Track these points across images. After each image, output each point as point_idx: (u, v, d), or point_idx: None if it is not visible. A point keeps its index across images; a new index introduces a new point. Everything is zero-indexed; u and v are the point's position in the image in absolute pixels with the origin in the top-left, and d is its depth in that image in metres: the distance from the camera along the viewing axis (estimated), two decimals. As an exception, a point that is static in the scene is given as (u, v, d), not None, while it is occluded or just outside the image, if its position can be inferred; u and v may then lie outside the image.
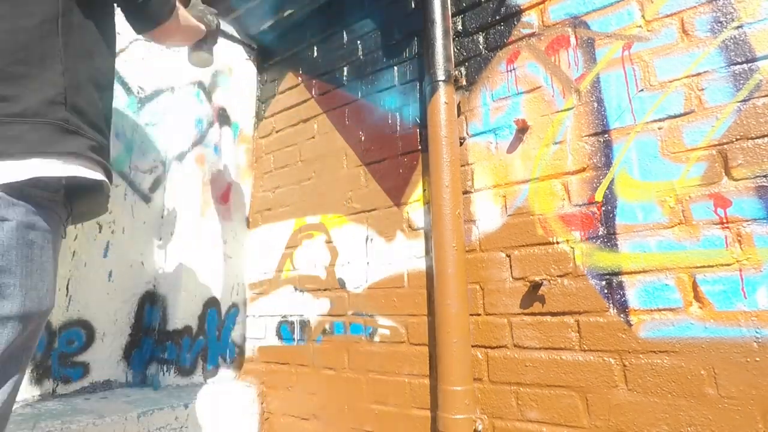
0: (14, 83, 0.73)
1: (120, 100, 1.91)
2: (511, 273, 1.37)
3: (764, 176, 1.04)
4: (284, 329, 1.92)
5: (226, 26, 2.23)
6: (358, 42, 1.95)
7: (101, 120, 0.88)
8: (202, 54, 1.47)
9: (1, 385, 0.71)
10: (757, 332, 1.01)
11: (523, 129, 1.41)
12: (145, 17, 1.03)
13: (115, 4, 0.99)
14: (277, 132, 2.21)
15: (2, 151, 0.70)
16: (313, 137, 2.02)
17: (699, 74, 1.16)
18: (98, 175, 0.83)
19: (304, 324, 1.86)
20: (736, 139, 1.09)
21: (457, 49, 1.63)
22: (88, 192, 0.85)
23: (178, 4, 1.11)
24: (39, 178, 0.73)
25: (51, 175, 0.74)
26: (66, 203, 0.84)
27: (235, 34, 2.26)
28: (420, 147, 1.65)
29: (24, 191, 0.72)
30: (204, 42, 1.44)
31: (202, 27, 1.36)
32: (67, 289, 1.67)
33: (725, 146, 1.10)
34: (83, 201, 0.89)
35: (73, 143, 0.77)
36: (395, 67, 1.79)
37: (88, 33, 0.87)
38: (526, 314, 1.32)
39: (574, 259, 1.27)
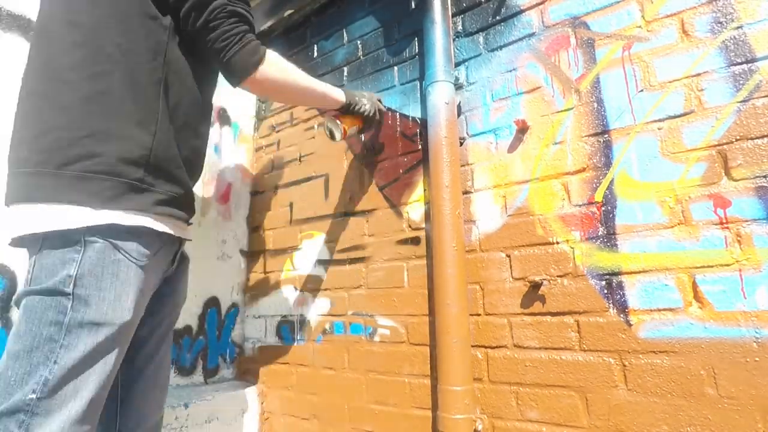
0: (107, 141, 0.85)
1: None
2: (511, 273, 1.37)
3: (764, 176, 1.05)
4: (284, 329, 1.92)
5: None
6: (359, 42, 1.95)
7: (182, 173, 1.00)
8: (327, 123, 1.48)
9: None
10: (756, 332, 1.01)
11: (523, 129, 1.41)
12: (229, 73, 1.07)
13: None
14: (277, 132, 2.21)
15: (83, 201, 0.83)
16: (314, 137, 2.02)
17: (699, 74, 1.16)
18: (160, 226, 0.95)
19: (304, 324, 1.86)
20: (736, 140, 1.09)
21: (457, 49, 1.63)
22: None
23: (274, 60, 1.11)
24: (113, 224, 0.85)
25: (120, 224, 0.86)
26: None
27: (235, 34, 2.26)
28: (420, 147, 1.65)
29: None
30: (337, 117, 1.45)
31: (333, 96, 1.37)
32: (67, 289, 1.67)
33: (725, 146, 1.10)
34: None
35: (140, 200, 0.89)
36: (395, 67, 1.79)
37: (186, 95, 0.99)
38: (526, 314, 1.32)
39: (574, 259, 1.27)
